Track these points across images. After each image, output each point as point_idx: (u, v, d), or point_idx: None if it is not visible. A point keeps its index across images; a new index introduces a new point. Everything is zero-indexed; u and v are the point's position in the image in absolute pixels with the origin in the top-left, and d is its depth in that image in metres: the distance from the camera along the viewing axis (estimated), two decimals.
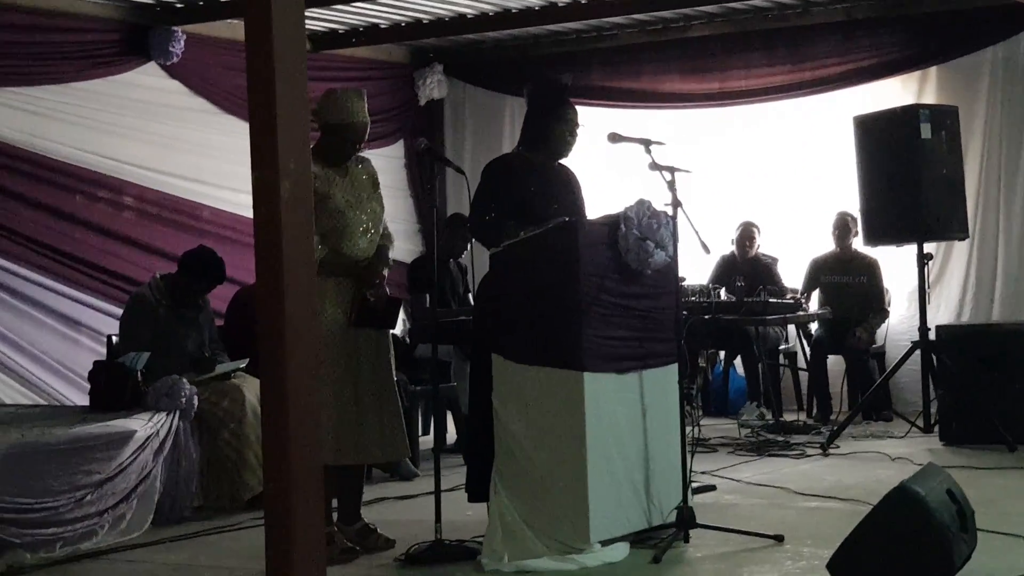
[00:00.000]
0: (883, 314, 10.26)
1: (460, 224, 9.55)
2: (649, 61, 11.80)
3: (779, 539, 6.00)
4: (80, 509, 6.44)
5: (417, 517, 6.68)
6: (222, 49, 10.61)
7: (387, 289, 6.39)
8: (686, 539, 5.97)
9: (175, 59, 10.28)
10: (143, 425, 6.94)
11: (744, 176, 11.28)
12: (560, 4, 10.69)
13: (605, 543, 5.74)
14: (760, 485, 7.54)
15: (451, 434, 9.32)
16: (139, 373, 7.32)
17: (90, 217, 9.93)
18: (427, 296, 9.30)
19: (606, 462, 5.75)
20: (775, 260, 10.66)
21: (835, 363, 10.24)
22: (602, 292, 5.84)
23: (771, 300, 9.68)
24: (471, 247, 9.53)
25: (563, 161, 6.52)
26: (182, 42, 10.25)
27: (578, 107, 6.52)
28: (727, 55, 11.46)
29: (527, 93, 6.53)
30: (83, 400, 8.39)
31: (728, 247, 10.60)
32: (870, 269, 10.29)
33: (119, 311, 8.41)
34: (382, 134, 11.68)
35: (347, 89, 6.45)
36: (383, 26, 11.34)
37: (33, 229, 9.51)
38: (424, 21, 11.20)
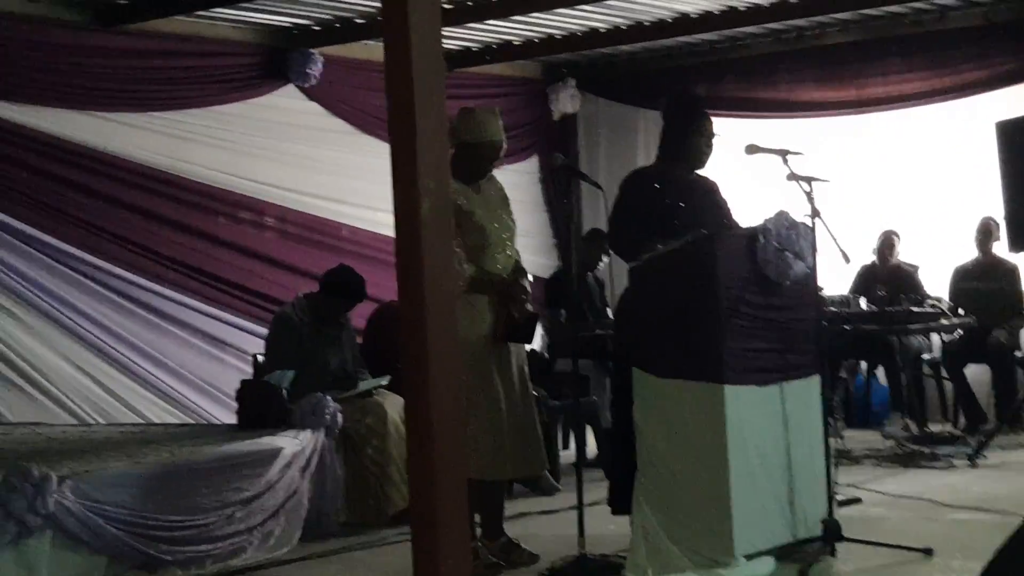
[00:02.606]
0: (1022, 318, 10.03)
1: (597, 238, 9.56)
2: (784, 70, 11.69)
3: (928, 553, 5.91)
4: (230, 526, 6.55)
5: (559, 532, 6.69)
6: (359, 70, 10.75)
7: (530, 304, 6.43)
8: (832, 552, 5.90)
9: (313, 81, 10.44)
10: (290, 443, 7.04)
11: (883, 184, 11.13)
12: (693, 16, 10.65)
13: (750, 557, 5.69)
14: (906, 497, 7.41)
15: (591, 448, 9.32)
16: (285, 391, 7.43)
17: (233, 238, 10.13)
18: (563, 311, 9.32)
19: (749, 475, 5.71)
20: (916, 268, 10.49)
21: (982, 372, 10.04)
22: (741, 304, 5.80)
23: (913, 309, 9.52)
24: (609, 261, 9.53)
25: (701, 171, 6.50)
26: (320, 64, 10.42)
27: (713, 118, 6.50)
28: (863, 62, 11.30)
29: (663, 106, 6.53)
30: (230, 418, 8.54)
31: (868, 256, 10.45)
32: (1010, 275, 10.10)
33: (263, 330, 8.56)
34: (516, 150, 11.72)
35: (482, 107, 6.51)
36: (516, 43, 11.40)
37: (177, 250, 9.73)
38: (557, 36, 11.24)
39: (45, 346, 9.00)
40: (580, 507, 6.03)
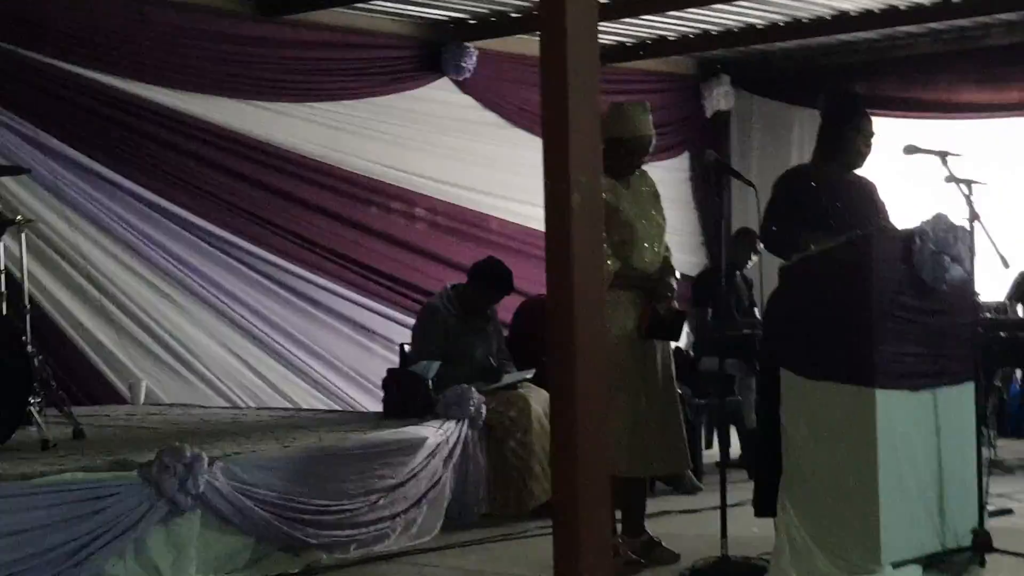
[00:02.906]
0: None
1: (747, 236, 9.46)
2: (944, 70, 11.48)
3: None
4: (374, 512, 6.61)
5: (701, 531, 6.64)
6: (513, 64, 10.80)
7: (676, 302, 6.39)
8: (982, 564, 5.76)
9: (467, 74, 10.51)
10: (434, 432, 7.10)
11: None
12: (852, 14, 10.49)
13: (896, 565, 5.58)
14: None
15: (735, 448, 9.23)
16: (430, 381, 7.49)
17: (384, 228, 10.24)
18: (710, 309, 9.25)
19: (898, 481, 5.60)
20: None
21: None
22: (895, 307, 5.70)
23: None
24: (759, 260, 9.44)
25: (859, 171, 6.40)
26: (474, 57, 10.48)
27: (871, 117, 6.40)
28: None
29: (821, 104, 6.44)
30: (375, 407, 8.64)
31: None
32: None
33: (410, 320, 8.64)
34: (667, 146, 11.68)
35: (633, 102, 6.48)
36: (670, 38, 11.35)
37: (330, 239, 9.87)
38: (712, 32, 11.16)
39: (201, 330, 9.21)
40: (723, 507, 5.98)
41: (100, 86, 8.87)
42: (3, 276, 6.95)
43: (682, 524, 7.19)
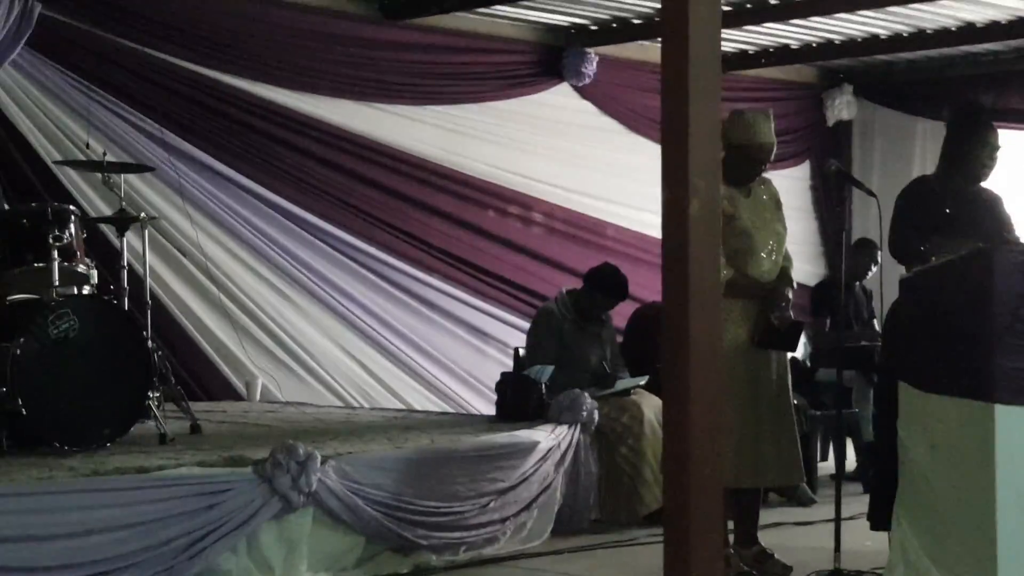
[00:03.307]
0: None
1: (867, 247, 9.35)
2: None
3: None
4: (484, 515, 6.62)
5: (815, 544, 6.56)
6: (632, 70, 10.78)
7: (791, 312, 6.33)
8: None
9: (587, 80, 10.51)
10: (546, 437, 7.09)
11: None
12: (978, 25, 10.32)
13: None
14: None
15: (851, 461, 9.12)
16: (544, 386, 7.49)
17: (501, 232, 10.27)
18: (828, 320, 9.15)
19: (1017, 498, 5.48)
20: None
21: None
22: (1016, 321, 5.58)
23: None
24: (880, 271, 9.31)
25: (984, 184, 6.31)
26: (594, 63, 10.48)
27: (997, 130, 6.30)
28: None
29: (947, 116, 6.36)
30: (488, 409, 8.66)
31: None
32: None
33: (525, 324, 8.66)
34: (789, 155, 11.59)
35: (754, 110, 6.44)
36: (793, 47, 11.26)
37: (446, 242, 9.92)
38: (835, 41, 11.06)
39: (316, 330, 9.31)
40: (837, 520, 5.92)
41: (224, 86, 9.03)
42: (126, 271, 7.08)
43: (795, 536, 7.12)
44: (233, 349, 8.94)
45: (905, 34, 10.75)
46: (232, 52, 9.03)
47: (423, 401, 9.54)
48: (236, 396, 8.92)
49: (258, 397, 8.98)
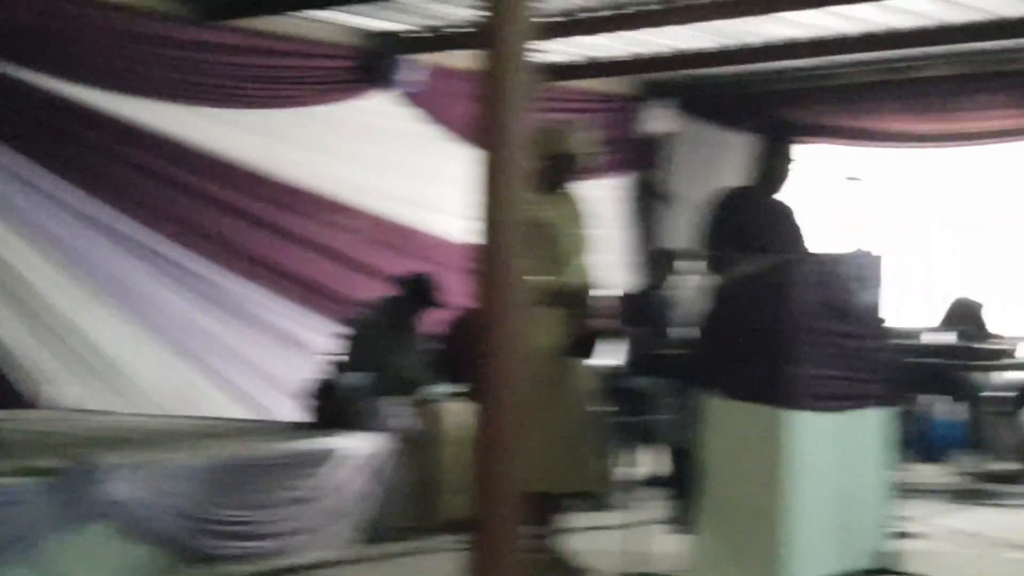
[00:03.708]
0: None
1: (677, 257, 9.50)
2: (880, 100, 11.56)
3: None
4: (287, 524, 6.57)
5: (617, 548, 6.64)
6: (453, 78, 10.77)
7: (599, 320, 6.40)
8: None
9: (407, 87, 10.47)
10: (354, 444, 7.06)
11: (967, 219, 10.95)
12: (789, 42, 10.56)
13: None
14: (966, 534, 7.33)
15: (656, 467, 9.25)
16: (354, 392, 7.45)
17: (316, 238, 10.16)
18: (637, 329, 9.26)
19: (808, 501, 5.64)
20: (981, 305, 10.24)
21: None
22: (814, 330, 5.75)
23: (984, 345, 9.34)
24: (689, 280, 9.46)
25: (779, 196, 6.48)
26: (415, 70, 10.45)
27: (806, 144, 6.50)
28: (961, 96, 11.15)
29: (753, 129, 6.53)
30: (300, 417, 8.57)
31: (944, 290, 10.24)
32: None
33: (337, 330, 8.58)
34: (604, 166, 11.65)
35: (568, 120, 6.51)
36: (612, 59, 11.36)
37: (259, 247, 9.77)
38: (653, 55, 11.19)
39: (117, 335, 9.06)
40: (640, 524, 5.99)
41: (27, 86, 8.74)
42: None
43: (599, 540, 7.18)
44: (26, 354, 8.66)
45: (721, 49, 10.93)
46: (42, 50, 8.78)
47: (232, 409, 9.36)
48: (27, 403, 8.63)
49: (53, 404, 8.70)
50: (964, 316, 9.98)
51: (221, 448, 6.69)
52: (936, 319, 10.04)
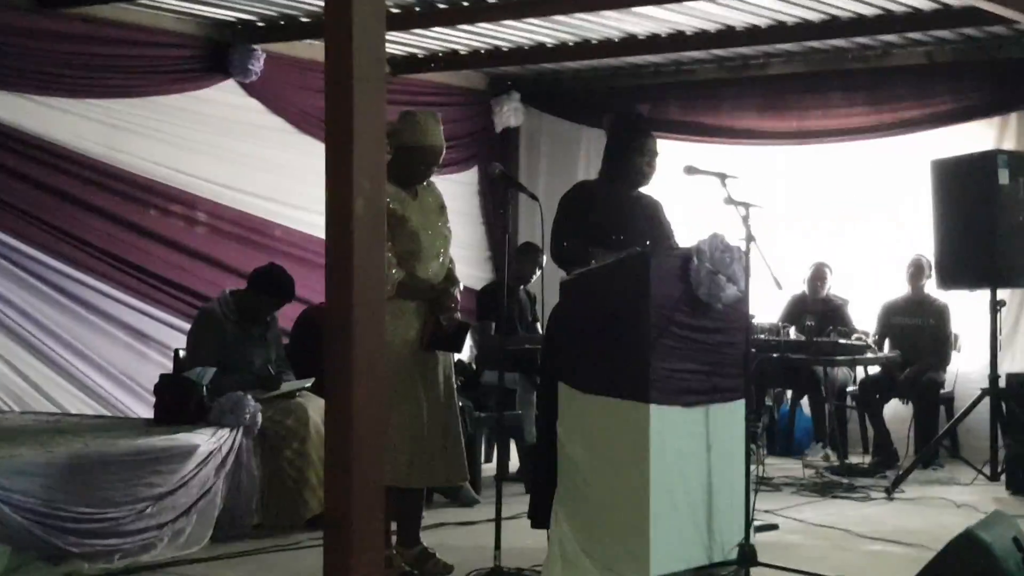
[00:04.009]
0: (948, 356, 10.08)
1: (530, 251, 9.54)
2: (727, 97, 11.72)
3: None
4: (140, 521, 6.44)
5: (476, 543, 6.64)
6: (301, 69, 10.67)
7: (458, 314, 6.38)
8: None
9: (254, 77, 10.33)
10: (206, 440, 6.95)
11: (819, 216, 11.19)
12: (640, 37, 10.65)
13: None
14: (823, 526, 7.46)
15: (514, 462, 9.28)
16: (204, 388, 7.33)
17: (162, 231, 9.99)
18: (494, 323, 9.28)
19: (668, 495, 5.68)
20: (846, 302, 10.50)
21: (903, 408, 10.09)
22: (671, 324, 5.78)
23: (840, 341, 9.56)
24: (541, 275, 9.50)
25: (644, 190, 6.51)
26: (261, 60, 10.31)
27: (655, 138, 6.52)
28: (806, 94, 11.37)
29: (607, 124, 6.54)
30: (148, 413, 8.42)
31: (800, 286, 10.46)
32: (940, 313, 10.13)
33: (187, 325, 8.44)
34: (457, 160, 11.70)
35: (423, 111, 6.47)
36: (462, 52, 11.36)
37: (105, 240, 9.57)
38: (503, 49, 11.21)
39: None
40: (498, 520, 5.99)
41: None
42: None
43: (458, 536, 7.18)
44: None
45: (571, 44, 10.98)
46: None
47: (78, 404, 9.17)
48: None
49: None
50: (826, 312, 10.19)
51: (73, 444, 6.53)
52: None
